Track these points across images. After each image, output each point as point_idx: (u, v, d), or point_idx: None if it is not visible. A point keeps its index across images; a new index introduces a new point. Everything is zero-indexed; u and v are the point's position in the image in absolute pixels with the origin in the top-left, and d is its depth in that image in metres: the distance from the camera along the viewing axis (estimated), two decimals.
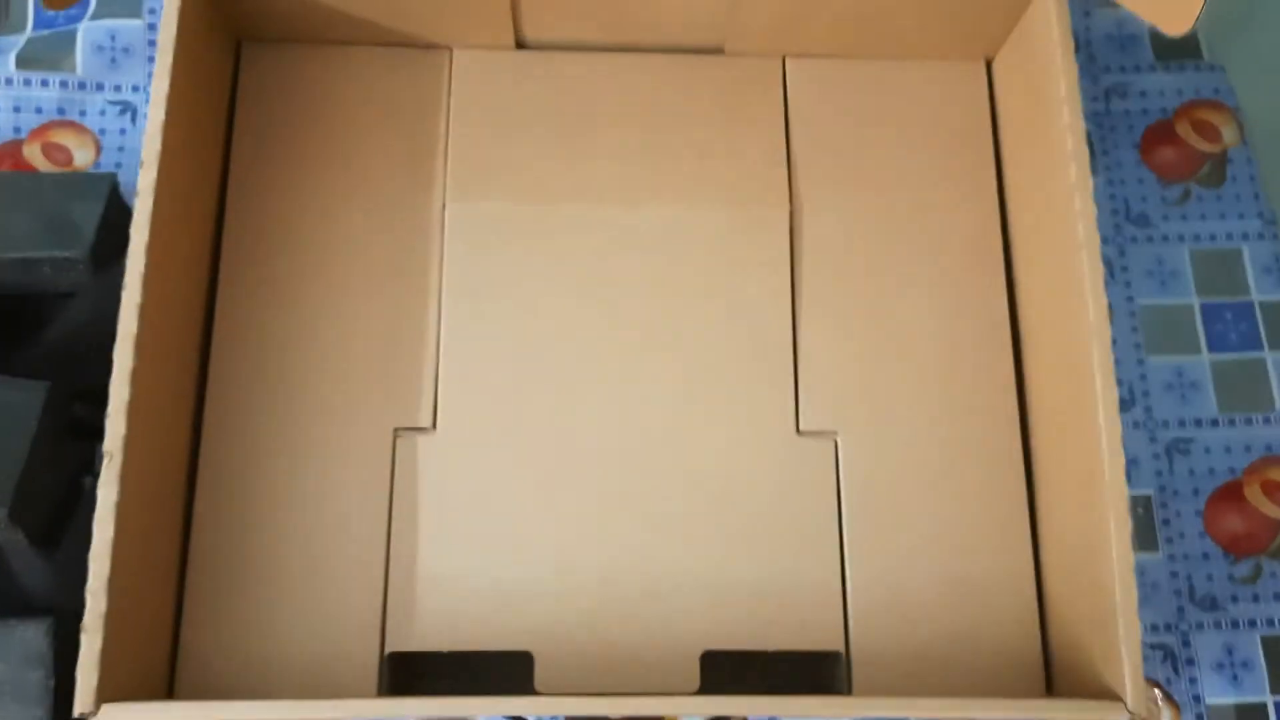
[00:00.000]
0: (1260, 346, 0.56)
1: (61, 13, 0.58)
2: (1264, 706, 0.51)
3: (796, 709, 0.43)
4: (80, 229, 0.47)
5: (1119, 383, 0.44)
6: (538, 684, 0.43)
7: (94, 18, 0.58)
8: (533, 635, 0.44)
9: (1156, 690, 0.52)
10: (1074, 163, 0.44)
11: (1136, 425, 0.55)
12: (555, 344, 0.47)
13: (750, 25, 0.50)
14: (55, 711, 0.43)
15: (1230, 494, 0.54)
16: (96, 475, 0.41)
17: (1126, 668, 0.39)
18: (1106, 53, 0.60)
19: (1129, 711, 0.39)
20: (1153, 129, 0.59)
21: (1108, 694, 0.40)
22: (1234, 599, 0.53)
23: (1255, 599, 0.53)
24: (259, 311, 0.47)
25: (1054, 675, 0.45)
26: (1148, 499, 0.54)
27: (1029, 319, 0.48)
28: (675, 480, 0.46)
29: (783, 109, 0.51)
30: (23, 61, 0.56)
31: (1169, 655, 0.52)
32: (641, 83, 0.51)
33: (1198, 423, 0.55)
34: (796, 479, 0.47)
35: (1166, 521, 0.54)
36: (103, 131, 0.56)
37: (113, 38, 0.57)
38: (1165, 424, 0.55)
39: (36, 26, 0.58)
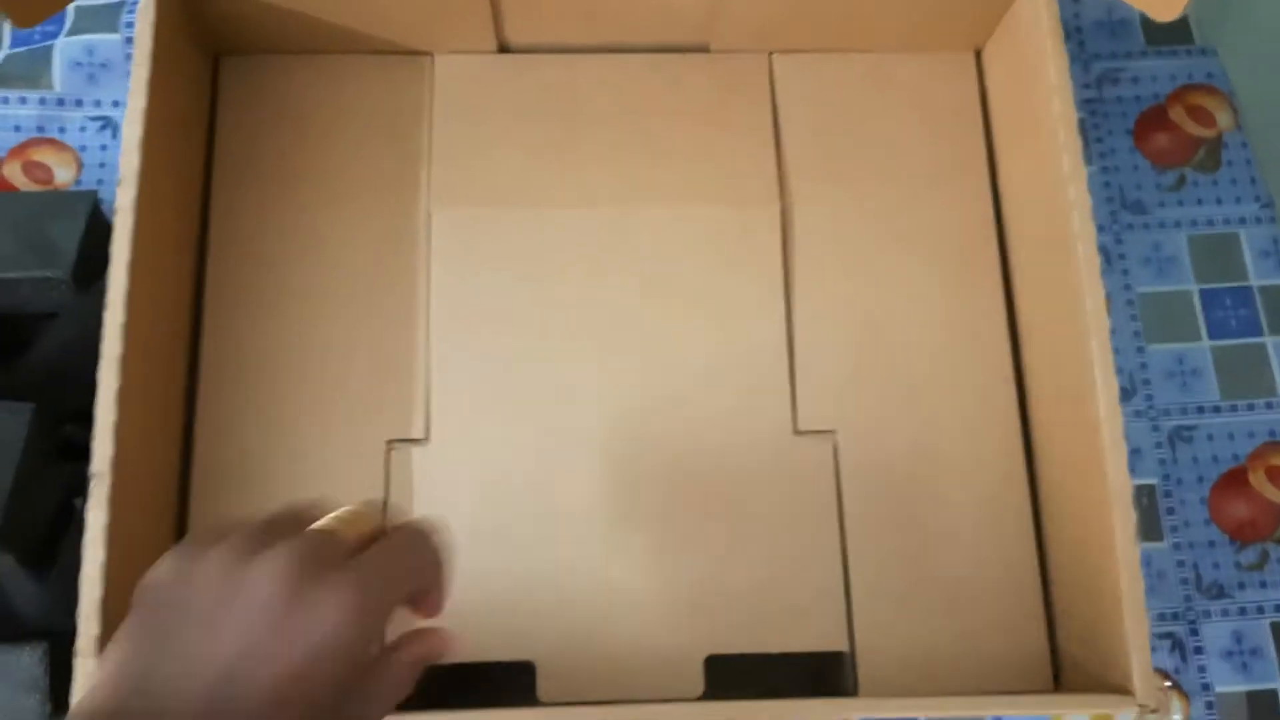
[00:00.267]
0: (1260, 331, 0.55)
1: (37, 29, 0.57)
2: (1274, 693, 0.51)
3: (803, 712, 0.43)
4: (61, 248, 0.46)
5: (1119, 372, 0.44)
6: (540, 693, 0.43)
7: (70, 33, 0.57)
8: (534, 644, 0.44)
9: (1165, 681, 0.51)
10: (1066, 154, 0.43)
11: (1138, 414, 0.54)
12: (547, 350, 0.47)
13: (735, 22, 0.49)
14: None
15: (1235, 481, 0.54)
16: (87, 497, 0.41)
17: (1134, 660, 0.39)
18: (1097, 39, 0.60)
19: (1138, 704, 0.39)
20: (1146, 115, 0.59)
21: (1116, 687, 0.40)
22: (1241, 586, 0.52)
23: (1263, 585, 0.52)
24: (246, 325, 0.47)
25: (1061, 670, 0.45)
26: (1152, 488, 0.53)
27: (1026, 311, 0.48)
28: (673, 484, 0.46)
29: (771, 106, 0.50)
30: (0, 79, 0.56)
31: (1177, 644, 0.52)
32: (627, 83, 0.50)
33: (1200, 410, 0.54)
34: (796, 479, 0.46)
35: (1171, 510, 0.53)
36: (83, 148, 0.55)
37: (90, 53, 0.57)
38: (1167, 412, 0.54)
39: (13, 44, 0.57)
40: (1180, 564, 0.53)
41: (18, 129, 0.55)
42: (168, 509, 0.44)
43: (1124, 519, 0.40)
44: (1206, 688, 0.51)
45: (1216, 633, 0.52)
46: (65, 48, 0.56)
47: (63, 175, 0.55)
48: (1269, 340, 0.55)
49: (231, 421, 0.46)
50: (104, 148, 0.55)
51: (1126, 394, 0.54)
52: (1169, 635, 0.52)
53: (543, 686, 0.43)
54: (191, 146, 0.48)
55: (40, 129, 0.55)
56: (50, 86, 0.56)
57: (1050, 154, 0.44)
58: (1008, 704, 0.44)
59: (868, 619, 0.45)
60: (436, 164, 0.49)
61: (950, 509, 0.46)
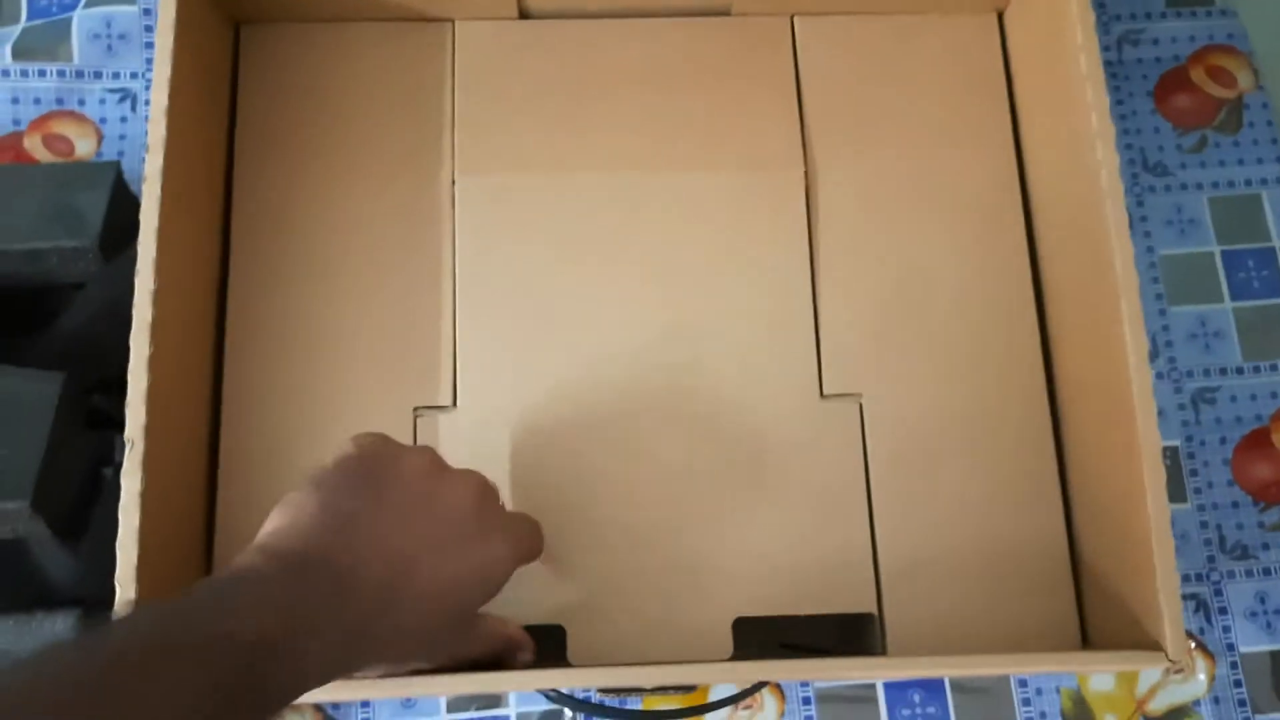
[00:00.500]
0: None
1: (56, 1, 0.57)
2: None
3: (832, 672, 0.43)
4: (87, 218, 0.46)
5: None
6: (570, 656, 0.43)
7: (88, 5, 0.57)
8: (564, 609, 0.44)
9: (1190, 642, 0.51)
10: (1094, 112, 0.43)
11: (1161, 376, 0.54)
12: (572, 315, 0.47)
13: None
14: None
15: (1258, 441, 0.54)
16: (116, 465, 0.41)
17: (1166, 616, 0.39)
18: (1117, 1, 0.59)
19: (1170, 660, 0.39)
20: (1167, 77, 0.59)
21: (1146, 644, 0.40)
22: (1265, 546, 0.52)
23: None
24: (271, 293, 0.47)
25: (1089, 630, 0.45)
26: (1175, 450, 0.54)
27: (1051, 272, 0.48)
28: (700, 449, 0.46)
29: (793, 69, 0.50)
30: (19, 52, 0.56)
31: (1201, 605, 0.52)
32: (648, 48, 0.50)
33: (1223, 371, 0.54)
34: (822, 443, 0.46)
35: (1194, 472, 0.53)
36: (103, 120, 0.55)
37: (108, 25, 0.56)
38: (1190, 374, 0.54)
39: (30, 16, 0.57)
40: (1203, 525, 0.53)
41: (37, 101, 0.55)
42: (198, 475, 0.44)
43: (1154, 475, 0.40)
44: (1231, 648, 0.51)
45: (1240, 593, 0.52)
46: (83, 20, 0.56)
47: (83, 147, 0.55)
48: None
49: (258, 390, 0.46)
50: (124, 119, 0.55)
51: (1149, 356, 0.54)
52: (1193, 596, 0.52)
53: (574, 649, 0.43)
54: (215, 115, 0.47)
55: (60, 101, 0.55)
56: (69, 59, 0.56)
57: (1077, 113, 0.44)
58: (1035, 661, 0.44)
59: (895, 581, 0.45)
60: (459, 131, 0.49)
61: (976, 470, 0.46)
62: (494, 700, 0.50)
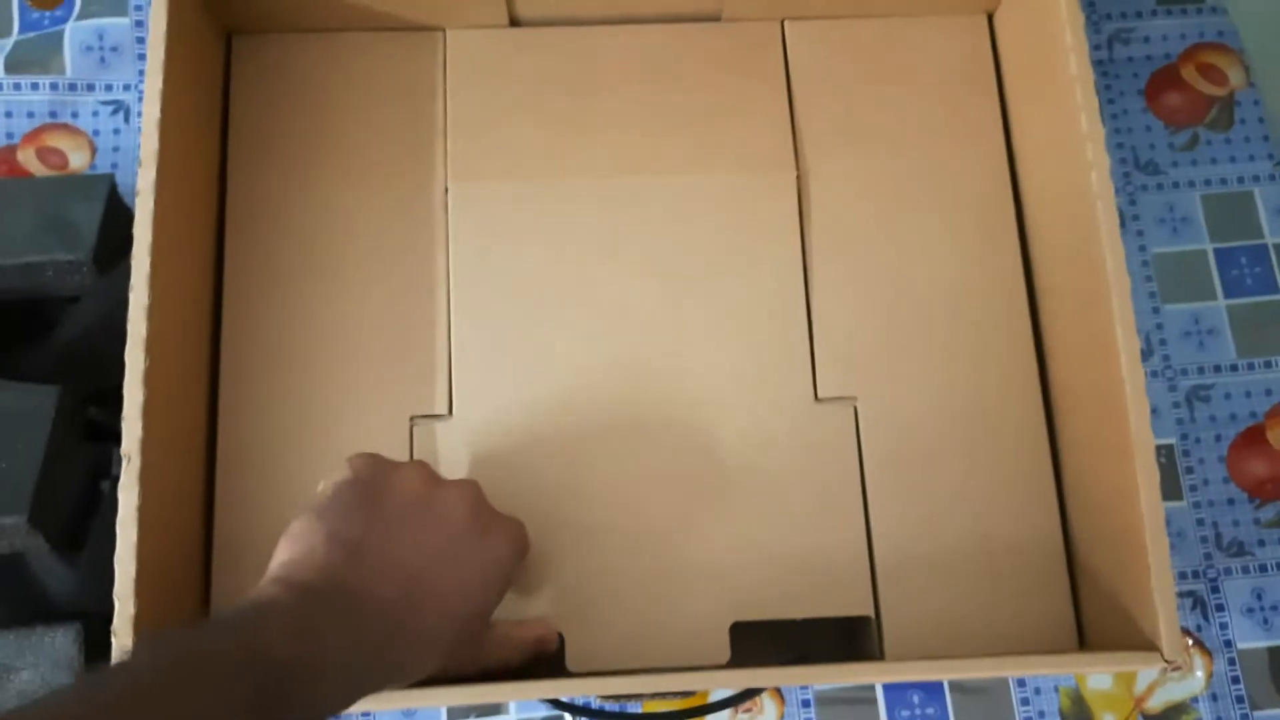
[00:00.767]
0: (1276, 289, 0.55)
1: (47, 14, 0.57)
2: None
3: (829, 677, 0.43)
4: (81, 231, 0.46)
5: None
6: (569, 662, 0.43)
7: (80, 18, 0.57)
8: (561, 614, 0.44)
9: (1187, 640, 0.51)
10: (1084, 113, 0.43)
11: (1155, 374, 0.54)
12: (567, 322, 0.47)
13: None
14: None
15: (1252, 439, 0.54)
16: (113, 478, 0.41)
17: (1161, 616, 0.39)
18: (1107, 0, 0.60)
19: (1165, 660, 0.39)
20: (1157, 75, 0.59)
21: (1142, 644, 0.40)
22: (1260, 543, 0.53)
23: None
24: (267, 305, 0.47)
25: (1085, 628, 0.45)
26: (1170, 448, 0.54)
27: (1044, 272, 0.48)
28: (695, 454, 0.46)
29: (784, 73, 0.50)
30: (11, 65, 0.56)
31: (1198, 602, 0.52)
32: (639, 53, 0.50)
33: (1217, 369, 0.55)
34: (817, 446, 0.46)
35: (1190, 469, 0.53)
36: (96, 132, 0.56)
37: (100, 37, 0.56)
38: (1184, 371, 0.55)
39: (22, 29, 0.57)
40: (1200, 522, 0.53)
41: (30, 114, 0.55)
42: (196, 487, 0.44)
43: (1148, 475, 0.40)
44: (1228, 645, 0.52)
45: (1237, 590, 0.52)
46: (75, 32, 0.56)
47: (77, 160, 0.55)
48: None
49: (255, 401, 0.46)
50: (117, 131, 0.56)
51: (1143, 354, 0.54)
52: (1190, 594, 0.52)
53: (571, 656, 0.43)
54: (208, 126, 0.48)
55: (53, 114, 0.55)
56: (62, 71, 0.56)
57: (1067, 114, 0.44)
58: (1032, 664, 0.44)
59: (892, 584, 0.45)
60: (452, 138, 0.49)
61: (972, 472, 0.46)
62: (494, 706, 0.50)
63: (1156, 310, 0.55)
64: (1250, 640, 0.52)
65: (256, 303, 0.47)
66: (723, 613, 0.44)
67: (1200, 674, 0.51)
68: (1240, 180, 0.57)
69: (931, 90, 0.51)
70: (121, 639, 0.38)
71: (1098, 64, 0.58)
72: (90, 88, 0.56)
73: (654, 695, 0.45)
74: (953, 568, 0.45)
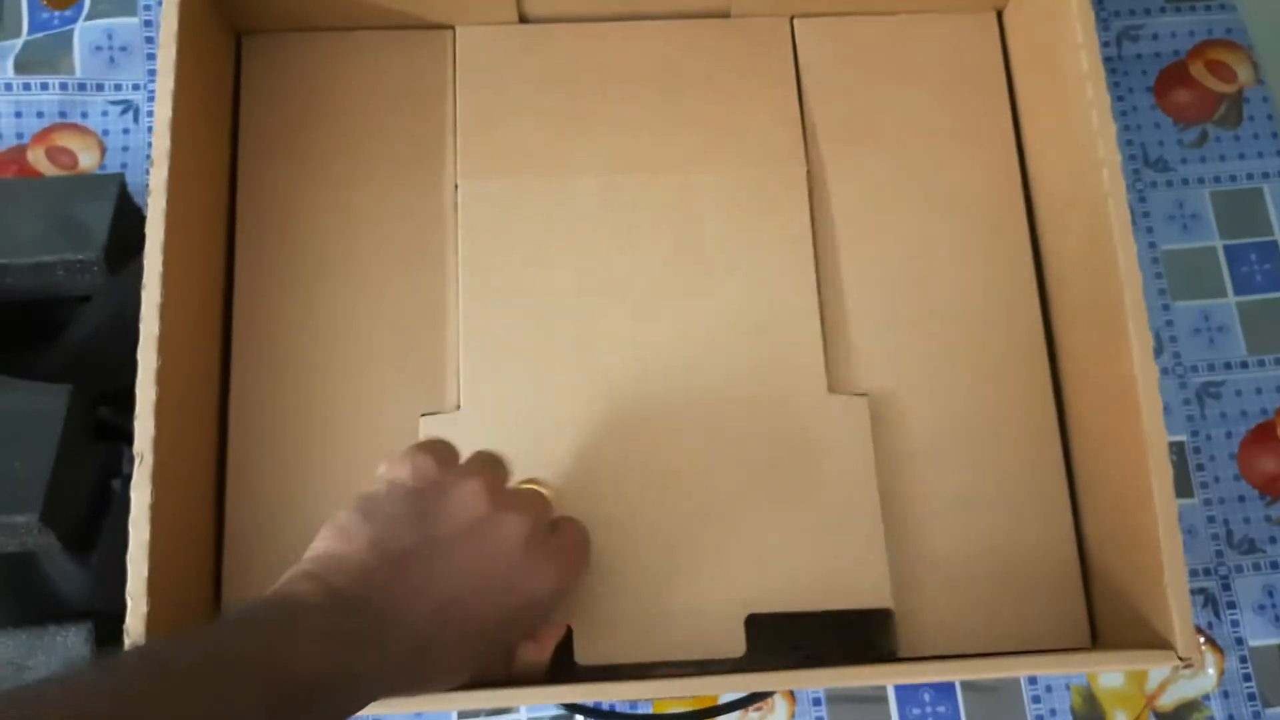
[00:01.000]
0: None
1: (57, 14, 0.57)
2: None
3: (845, 679, 0.43)
4: (91, 231, 0.46)
5: None
6: (578, 655, 0.43)
7: (90, 18, 0.57)
8: (571, 607, 0.44)
9: (1199, 637, 0.51)
10: (1095, 109, 0.43)
11: (1166, 372, 0.54)
12: (576, 318, 0.47)
13: None
14: None
15: (1264, 435, 0.54)
16: (125, 477, 0.41)
17: (1175, 614, 0.39)
18: None
19: (1180, 658, 0.39)
20: (1166, 72, 0.59)
21: (1156, 642, 0.40)
22: (1272, 540, 0.52)
23: None
24: (277, 303, 0.47)
25: (1098, 626, 0.45)
26: (1181, 445, 0.54)
27: (1054, 269, 0.48)
28: (708, 448, 0.46)
29: (794, 70, 0.50)
30: (21, 65, 0.56)
31: (1210, 600, 0.52)
32: (649, 51, 0.50)
33: (1227, 365, 0.55)
34: (831, 441, 0.46)
35: (1200, 466, 0.53)
36: (106, 132, 0.56)
37: (110, 37, 0.57)
38: (1195, 369, 0.54)
39: (32, 30, 0.57)
40: (1211, 520, 0.53)
41: (40, 115, 0.55)
42: (207, 485, 0.45)
43: (1161, 471, 0.40)
44: (1240, 642, 0.51)
45: (1249, 587, 0.52)
46: (85, 32, 0.56)
47: (86, 160, 0.55)
48: None
49: (265, 398, 0.46)
50: (126, 131, 0.56)
51: (1153, 352, 0.54)
52: (1201, 591, 0.52)
53: (580, 648, 0.43)
54: (218, 126, 0.48)
55: (63, 114, 0.56)
56: (71, 71, 0.56)
57: (1078, 111, 0.44)
58: (1046, 663, 0.44)
59: (904, 578, 0.45)
60: (462, 136, 0.49)
61: (984, 468, 0.46)
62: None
63: (1166, 307, 0.55)
64: (1262, 637, 0.51)
65: (267, 300, 0.47)
66: (737, 605, 0.44)
67: (1212, 671, 0.51)
68: (1249, 177, 0.57)
69: (941, 87, 0.51)
70: (134, 637, 0.38)
71: (1106, 61, 0.58)
72: (100, 88, 0.56)
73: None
74: (964, 563, 0.45)
